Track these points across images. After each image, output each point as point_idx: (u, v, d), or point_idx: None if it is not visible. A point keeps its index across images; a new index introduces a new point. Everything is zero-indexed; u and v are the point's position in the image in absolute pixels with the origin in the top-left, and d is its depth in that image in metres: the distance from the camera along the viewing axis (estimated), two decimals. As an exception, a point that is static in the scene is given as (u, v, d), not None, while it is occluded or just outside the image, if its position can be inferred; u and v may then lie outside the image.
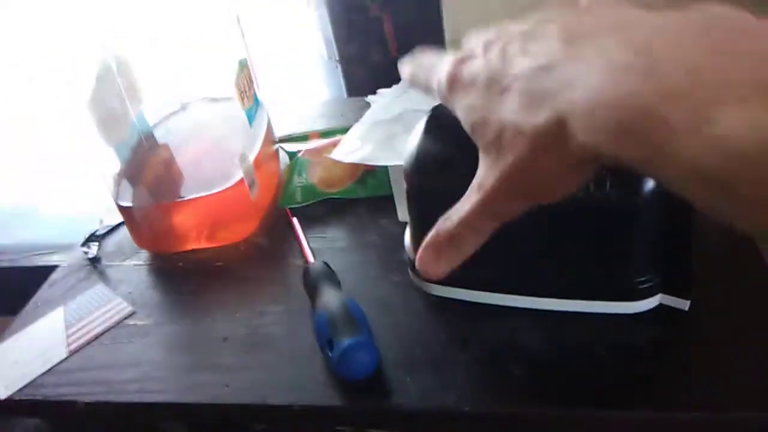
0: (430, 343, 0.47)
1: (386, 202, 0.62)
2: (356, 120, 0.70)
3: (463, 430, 0.44)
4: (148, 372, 0.49)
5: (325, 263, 0.53)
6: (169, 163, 0.67)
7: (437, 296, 0.50)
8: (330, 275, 0.51)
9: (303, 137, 0.73)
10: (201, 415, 0.47)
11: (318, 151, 0.68)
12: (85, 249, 0.63)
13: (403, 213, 0.60)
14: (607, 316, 0.45)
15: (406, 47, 0.84)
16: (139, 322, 0.54)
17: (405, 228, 0.59)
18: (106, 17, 0.56)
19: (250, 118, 0.61)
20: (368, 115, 0.70)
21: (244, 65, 0.60)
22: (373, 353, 0.44)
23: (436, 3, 0.84)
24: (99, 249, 0.64)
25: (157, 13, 0.61)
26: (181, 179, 0.64)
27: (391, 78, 0.79)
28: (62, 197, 1.03)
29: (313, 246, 0.58)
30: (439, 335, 0.47)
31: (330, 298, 0.48)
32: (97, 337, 0.53)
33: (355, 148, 0.65)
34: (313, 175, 0.65)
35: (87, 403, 0.47)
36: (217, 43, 0.61)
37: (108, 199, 0.62)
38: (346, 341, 0.43)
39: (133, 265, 0.62)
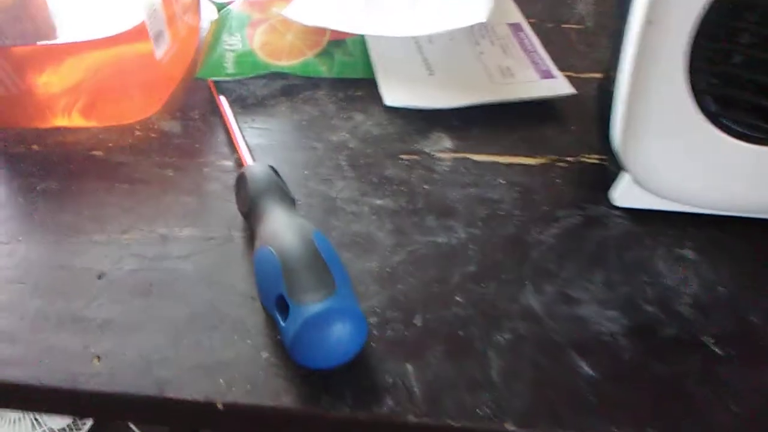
0: (443, 307, 0.30)
1: (361, 87, 0.43)
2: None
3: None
4: (-41, 326, 0.29)
5: (272, 167, 0.33)
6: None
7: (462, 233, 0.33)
8: (280, 187, 0.32)
9: (238, -14, 0.51)
10: (51, 406, 0.28)
11: (262, 4, 0.47)
12: None
13: (392, 95, 0.41)
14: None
15: None
16: (-45, 237, 0.33)
17: (389, 128, 0.40)
18: None
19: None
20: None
21: None
22: (359, 326, 0.26)
23: None
24: None
25: None
26: (46, 15, 0.41)
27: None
28: None
29: (252, 143, 0.39)
30: (457, 296, 0.30)
31: (282, 226, 0.29)
32: None
33: (319, 7, 0.44)
34: (254, 38, 0.44)
35: None
36: None
37: None
38: (312, 304, 0.25)
39: (-45, 144, 0.39)
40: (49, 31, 0.43)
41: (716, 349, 0.28)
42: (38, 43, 0.38)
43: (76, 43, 0.38)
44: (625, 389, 0.27)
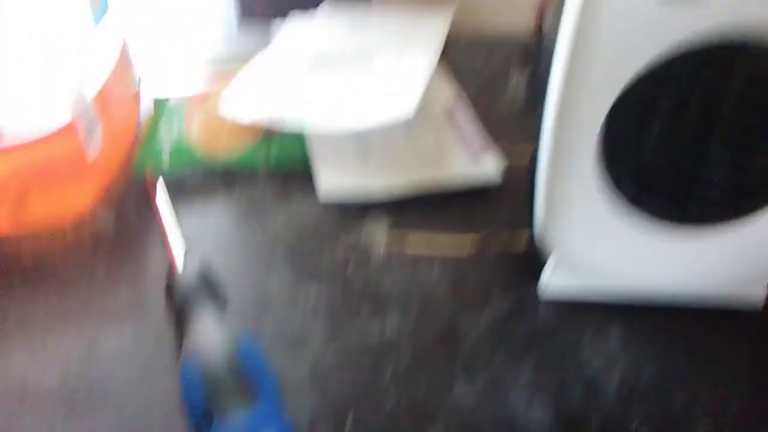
0: (375, 405, 0.30)
1: (299, 178, 0.43)
2: (251, 57, 0.50)
3: None
4: None
5: (204, 269, 0.33)
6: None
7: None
8: (210, 289, 0.32)
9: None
10: None
11: (200, 97, 0.47)
12: None
13: (328, 188, 0.42)
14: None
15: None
16: None
17: (326, 218, 0.41)
18: None
19: (97, 18, 0.39)
20: (274, 51, 0.51)
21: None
22: (285, 437, 0.26)
23: None
24: None
25: None
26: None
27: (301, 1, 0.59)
28: None
29: (189, 235, 0.38)
30: (390, 391, 0.30)
31: (207, 335, 0.29)
32: None
33: (255, 100, 0.45)
34: (192, 131, 0.45)
35: None
36: None
37: None
38: (235, 415, 0.25)
39: None
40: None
41: (644, 437, 0.28)
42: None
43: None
44: (556, 485, 0.27)
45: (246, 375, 0.26)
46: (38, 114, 0.38)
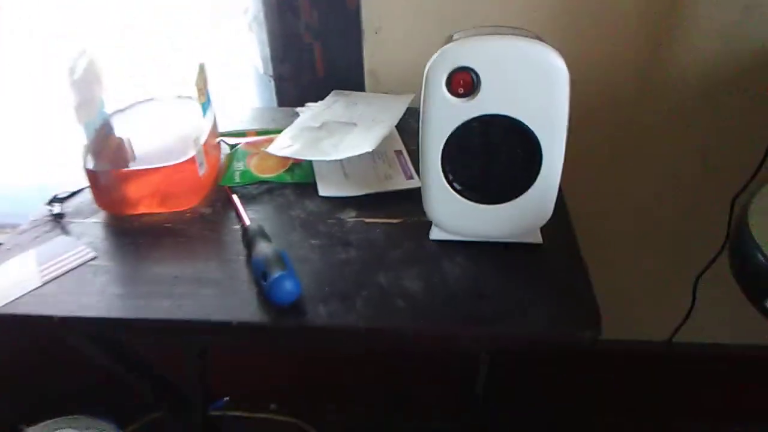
0: (339, 285, 0.63)
1: (309, 188, 0.78)
2: (286, 125, 0.87)
3: (361, 344, 0.60)
4: (113, 298, 0.62)
5: (260, 224, 0.68)
6: (128, 140, 0.80)
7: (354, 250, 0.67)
8: (264, 233, 0.67)
9: (242, 133, 0.88)
10: (159, 330, 0.61)
11: (255, 144, 0.83)
12: (49, 207, 0.75)
13: (324, 190, 0.77)
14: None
15: (331, 71, 1.03)
16: (102, 264, 0.67)
17: (322, 207, 0.75)
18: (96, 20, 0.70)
19: (204, 110, 0.76)
20: (298, 121, 0.87)
21: (202, 68, 0.75)
22: (297, 283, 0.59)
23: (358, 39, 1.03)
24: (62, 208, 0.76)
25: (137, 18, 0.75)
26: (136, 153, 0.77)
27: (317, 94, 0.97)
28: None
29: (250, 217, 0.73)
30: (346, 280, 0.64)
31: (265, 247, 0.63)
32: (65, 272, 0.65)
33: (287, 145, 0.81)
34: (250, 163, 0.80)
35: (61, 317, 0.60)
36: (182, 49, 0.76)
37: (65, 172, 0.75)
38: (277, 273, 0.59)
39: (93, 222, 0.74)
40: (135, 156, 0.79)
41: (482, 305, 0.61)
42: (137, 168, 0.74)
43: (155, 168, 0.73)
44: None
45: (282, 261, 0.60)
46: (176, 152, 0.74)
